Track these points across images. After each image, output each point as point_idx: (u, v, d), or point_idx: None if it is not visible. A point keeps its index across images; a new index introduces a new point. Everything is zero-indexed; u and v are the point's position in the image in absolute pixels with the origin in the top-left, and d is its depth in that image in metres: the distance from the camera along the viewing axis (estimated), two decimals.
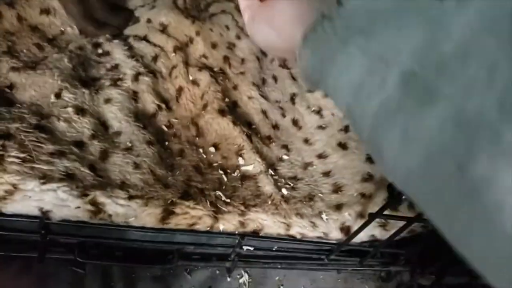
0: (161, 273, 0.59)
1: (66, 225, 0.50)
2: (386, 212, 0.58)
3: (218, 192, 0.57)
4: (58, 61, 0.62)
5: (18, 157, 0.47)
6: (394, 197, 0.50)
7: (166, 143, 0.63)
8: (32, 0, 0.71)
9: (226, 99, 0.69)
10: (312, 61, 0.25)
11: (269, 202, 0.58)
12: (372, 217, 0.54)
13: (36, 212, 0.48)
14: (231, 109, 0.68)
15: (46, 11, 0.72)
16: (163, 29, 0.77)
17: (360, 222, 0.57)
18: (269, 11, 0.32)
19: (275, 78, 0.79)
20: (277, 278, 0.64)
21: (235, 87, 0.74)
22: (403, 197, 0.48)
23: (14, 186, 0.47)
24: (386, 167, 0.21)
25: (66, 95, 0.58)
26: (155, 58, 0.71)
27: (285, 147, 0.70)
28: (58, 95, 0.57)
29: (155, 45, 0.72)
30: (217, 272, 0.62)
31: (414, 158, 0.18)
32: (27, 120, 0.52)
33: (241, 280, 0.62)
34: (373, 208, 0.59)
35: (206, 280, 0.61)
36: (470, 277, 0.70)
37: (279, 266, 0.61)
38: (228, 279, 0.62)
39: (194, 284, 0.60)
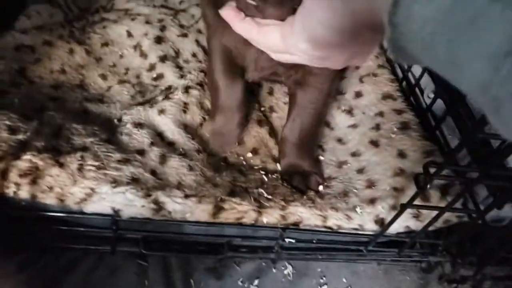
0: (214, 264, 0.66)
1: (133, 222, 0.60)
2: (418, 204, 0.62)
3: (260, 190, 0.64)
4: (119, 94, 0.73)
5: (93, 165, 0.57)
6: (421, 187, 0.54)
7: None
8: (93, 38, 0.84)
9: (262, 108, 0.77)
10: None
11: (305, 197, 0.64)
12: (403, 207, 0.58)
13: (109, 211, 0.58)
14: (268, 117, 0.76)
15: (105, 44, 0.85)
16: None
17: (394, 214, 0.62)
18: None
19: None
20: (319, 269, 0.69)
21: (270, 93, 0.82)
22: (429, 186, 0.52)
23: (92, 189, 0.57)
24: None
25: (125, 118, 0.68)
26: (203, 72, 0.81)
27: (320, 147, 0.76)
28: (119, 120, 0.68)
29: (200, 61, 0.82)
30: (263, 264, 0.68)
31: None
32: (99, 135, 0.63)
33: (285, 271, 0.68)
34: (405, 200, 0.63)
35: (254, 271, 0.67)
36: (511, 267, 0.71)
37: (319, 257, 0.66)
38: (274, 270, 0.68)
39: (243, 274, 0.67)
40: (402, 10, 0.22)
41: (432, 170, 0.51)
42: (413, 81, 0.84)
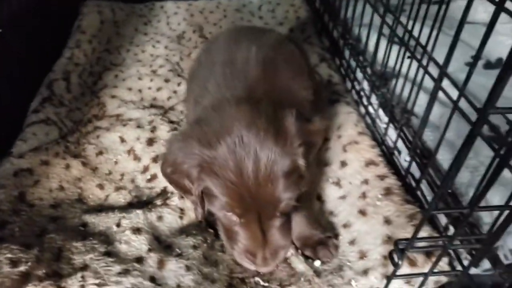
0: None
1: None
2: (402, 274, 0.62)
3: (257, 278, 0.66)
4: (116, 202, 0.78)
5: (94, 284, 0.60)
6: (395, 264, 0.57)
7: (208, 240, 0.73)
8: (88, 149, 0.90)
9: None
10: None
11: (302, 279, 0.66)
12: (388, 279, 0.61)
13: None
14: None
15: (100, 153, 0.91)
16: None
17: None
18: None
19: None
20: None
21: None
22: (400, 262, 0.55)
23: None
24: None
25: (124, 222, 0.72)
26: None
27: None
28: (118, 225, 0.72)
29: None
30: None
31: None
32: (98, 249, 0.66)
33: None
34: None
35: None
36: None
37: None
38: None
39: None
40: None
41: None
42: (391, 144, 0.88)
